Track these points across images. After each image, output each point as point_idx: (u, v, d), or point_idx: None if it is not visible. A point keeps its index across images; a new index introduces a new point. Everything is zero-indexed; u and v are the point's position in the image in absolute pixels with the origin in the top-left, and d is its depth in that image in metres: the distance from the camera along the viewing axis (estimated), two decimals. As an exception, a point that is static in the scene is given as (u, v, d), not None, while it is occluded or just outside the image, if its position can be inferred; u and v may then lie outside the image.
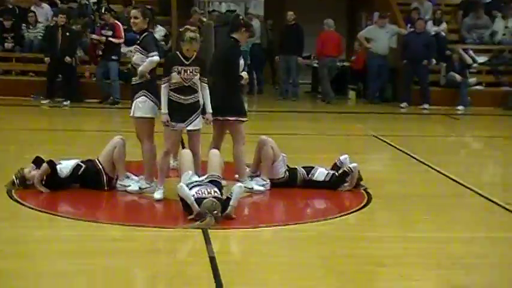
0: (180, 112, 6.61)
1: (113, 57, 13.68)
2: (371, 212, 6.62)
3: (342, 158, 7.39)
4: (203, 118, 6.74)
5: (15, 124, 11.53)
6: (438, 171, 8.42)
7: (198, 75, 6.61)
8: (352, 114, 14.17)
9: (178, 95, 6.60)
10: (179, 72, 6.55)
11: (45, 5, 15.97)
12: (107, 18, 13.87)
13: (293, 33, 15.63)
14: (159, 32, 15.05)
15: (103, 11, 14.68)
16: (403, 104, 14.95)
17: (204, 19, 17.19)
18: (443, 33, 16.21)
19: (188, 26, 6.74)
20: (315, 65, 17.21)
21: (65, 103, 13.68)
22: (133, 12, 6.91)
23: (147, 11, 7.00)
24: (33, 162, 6.94)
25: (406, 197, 7.29)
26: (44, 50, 14.29)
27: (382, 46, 15.27)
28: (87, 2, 16.19)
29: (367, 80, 15.79)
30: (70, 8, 15.73)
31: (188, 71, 6.56)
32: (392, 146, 10.20)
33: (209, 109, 6.70)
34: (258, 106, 14.99)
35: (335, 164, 7.39)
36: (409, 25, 16.00)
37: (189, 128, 6.71)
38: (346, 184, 7.23)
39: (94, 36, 13.93)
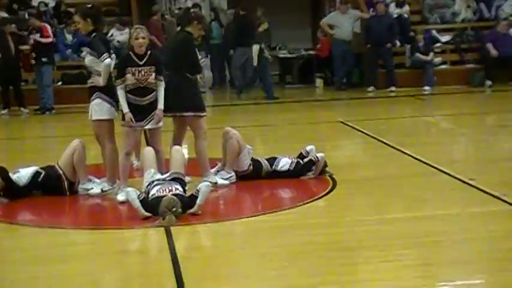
0: (138, 113, 6.55)
1: (43, 59, 13.28)
2: (335, 197, 6.60)
3: (308, 148, 7.36)
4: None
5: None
6: (404, 153, 8.42)
7: (154, 74, 6.53)
8: (320, 102, 14.16)
9: (134, 97, 6.53)
10: (133, 74, 6.48)
11: (3, 13, 15.73)
12: (32, 23, 13.59)
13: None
14: (126, 33, 14.92)
15: (26, 16, 14.34)
16: (370, 88, 14.99)
17: (167, 16, 17.11)
18: (405, 15, 16.25)
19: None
20: (281, 55, 17.25)
21: (24, 111, 13.48)
22: (75, 17, 6.91)
23: (87, 11, 6.93)
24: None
25: (371, 180, 7.28)
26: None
27: (345, 32, 15.25)
28: (45, 8, 15.99)
29: (333, 67, 15.79)
30: (30, 15, 15.51)
31: (143, 72, 6.49)
32: (359, 130, 10.20)
33: (160, 105, 6.62)
34: (223, 100, 14.93)
35: (301, 153, 7.37)
36: (371, 9, 16.02)
37: (148, 126, 6.65)
38: (310, 173, 7.22)
39: (24, 46, 13.64)
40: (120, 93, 6.54)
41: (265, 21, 14.57)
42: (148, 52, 6.57)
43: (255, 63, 14.38)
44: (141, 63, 6.51)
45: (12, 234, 5.92)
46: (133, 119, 6.53)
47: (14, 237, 5.83)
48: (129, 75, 6.49)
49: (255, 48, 14.28)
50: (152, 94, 6.59)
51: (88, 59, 6.68)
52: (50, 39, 13.34)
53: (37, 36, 13.24)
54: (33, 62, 13.58)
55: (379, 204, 6.49)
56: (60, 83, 14.68)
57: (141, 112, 6.57)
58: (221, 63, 16.85)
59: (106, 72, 6.55)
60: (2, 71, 13.42)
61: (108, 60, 6.51)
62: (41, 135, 11.67)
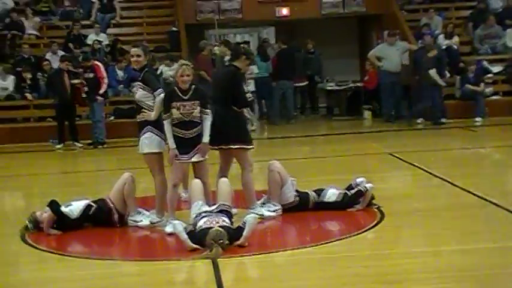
0: (184, 146, 6.66)
1: (97, 97, 13.70)
2: (383, 229, 6.55)
3: (358, 180, 7.33)
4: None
5: (31, 169, 11.74)
6: (454, 184, 8.31)
7: (199, 108, 6.65)
8: (368, 134, 14.11)
9: (180, 130, 6.65)
10: (178, 108, 6.60)
11: (61, 52, 16.25)
12: (85, 64, 13.99)
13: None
14: (175, 69, 15.17)
15: (80, 59, 14.80)
16: (419, 120, 14.87)
17: (217, 51, 17.35)
18: (455, 46, 16.16)
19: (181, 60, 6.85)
20: (329, 88, 17.35)
21: (78, 145, 13.86)
22: (135, 50, 6.99)
23: (147, 48, 7.12)
24: (48, 206, 6.99)
25: (419, 212, 7.20)
26: (49, 95, 14.60)
27: (393, 63, 15.25)
28: (100, 46, 16.47)
29: (381, 99, 15.75)
30: (83, 53, 15.97)
31: (187, 106, 6.61)
32: (408, 162, 10.12)
33: (205, 139, 6.71)
34: (271, 133, 15.01)
35: (350, 185, 7.36)
36: (419, 41, 16.00)
37: (193, 159, 6.76)
38: (358, 205, 7.19)
39: (75, 80, 14.03)
40: (167, 128, 6.66)
41: (434, 48, 14.64)
42: (193, 87, 6.69)
43: (442, 83, 14.47)
44: (186, 97, 6.63)
45: (65, 265, 6.02)
46: (178, 154, 6.64)
47: (66, 268, 5.93)
48: (174, 110, 6.61)
49: (433, 72, 14.31)
50: (197, 128, 6.69)
51: (139, 94, 6.84)
52: (106, 81, 13.74)
53: (91, 75, 13.63)
54: (84, 95, 13.94)
55: (428, 236, 6.42)
56: (112, 118, 15.02)
57: (187, 145, 6.68)
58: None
59: (159, 106, 6.71)
60: (58, 108, 13.89)
61: (163, 95, 6.68)
62: (93, 169, 11.91)
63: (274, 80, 16.25)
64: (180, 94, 6.64)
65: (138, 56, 6.91)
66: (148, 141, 6.82)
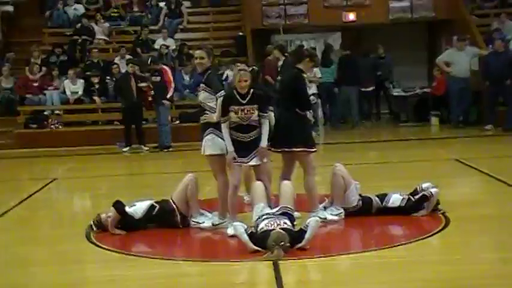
0: (242, 149, 6.66)
1: (163, 101, 13.85)
2: (449, 235, 6.40)
3: (424, 185, 7.19)
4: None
5: (99, 171, 12.02)
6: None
7: (257, 112, 6.63)
8: (435, 141, 13.83)
9: (238, 133, 6.65)
10: (236, 112, 6.59)
11: (128, 56, 16.56)
12: (152, 68, 14.16)
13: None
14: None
15: (148, 62, 15.02)
16: (488, 126, 14.48)
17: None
18: (528, 51, 15.65)
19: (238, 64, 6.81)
20: (395, 94, 17.11)
21: (144, 148, 14.05)
22: (199, 52, 7.01)
23: (211, 50, 7.14)
24: (113, 206, 7.11)
25: (487, 218, 7.01)
26: (116, 98, 14.88)
27: (462, 69, 14.92)
28: (167, 51, 16.70)
29: (450, 105, 15.42)
30: (152, 56, 16.23)
31: (245, 110, 6.60)
32: (476, 168, 9.87)
33: (263, 143, 6.68)
34: (335, 138, 14.90)
35: (415, 189, 7.22)
36: (490, 46, 15.61)
37: (251, 163, 6.75)
38: (423, 210, 7.04)
39: (142, 84, 14.22)
40: (225, 131, 6.66)
41: None
42: (251, 91, 6.66)
43: None
44: (244, 102, 6.62)
45: (128, 264, 6.09)
46: (236, 157, 6.64)
47: (129, 268, 6.00)
48: (232, 114, 6.60)
49: None
50: (255, 131, 6.67)
51: (203, 95, 6.89)
52: (172, 85, 13.91)
53: (158, 79, 13.82)
54: (150, 98, 14.14)
55: (495, 242, 6.24)
56: (177, 122, 15.20)
57: (245, 148, 6.67)
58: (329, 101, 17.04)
59: (220, 108, 6.73)
60: (125, 111, 14.15)
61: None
62: (159, 171, 12.08)
63: (337, 85, 16.16)
64: (238, 98, 6.63)
65: (202, 58, 6.95)
66: (210, 143, 6.85)
